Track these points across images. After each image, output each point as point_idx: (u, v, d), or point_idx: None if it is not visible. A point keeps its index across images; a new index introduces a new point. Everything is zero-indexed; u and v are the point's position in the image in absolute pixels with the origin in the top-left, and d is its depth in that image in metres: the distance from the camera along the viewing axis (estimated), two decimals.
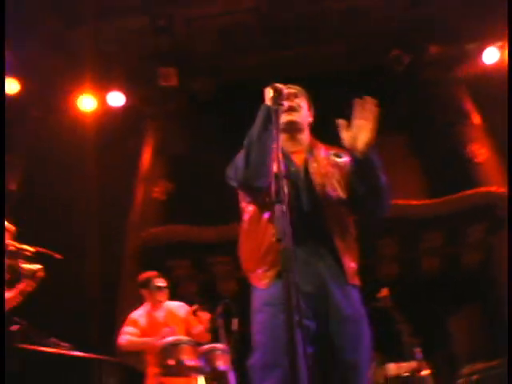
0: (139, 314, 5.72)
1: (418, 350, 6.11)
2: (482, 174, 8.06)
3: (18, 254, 4.74)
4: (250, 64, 9.36)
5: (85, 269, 8.02)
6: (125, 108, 9.12)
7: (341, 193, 2.76)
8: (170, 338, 5.01)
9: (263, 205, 2.55)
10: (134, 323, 5.61)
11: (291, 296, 1.97)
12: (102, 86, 8.99)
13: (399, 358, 6.21)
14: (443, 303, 8.18)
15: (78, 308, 7.76)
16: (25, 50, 8.60)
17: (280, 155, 2.27)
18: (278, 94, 2.48)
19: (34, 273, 4.78)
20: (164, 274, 6.19)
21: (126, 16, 9.10)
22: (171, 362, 4.82)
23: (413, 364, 6.04)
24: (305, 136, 2.95)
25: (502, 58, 8.66)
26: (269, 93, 2.51)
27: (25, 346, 5.37)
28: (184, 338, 5.13)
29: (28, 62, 8.80)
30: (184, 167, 8.40)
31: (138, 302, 6.01)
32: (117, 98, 9.00)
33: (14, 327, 5.11)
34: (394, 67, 8.80)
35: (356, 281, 2.66)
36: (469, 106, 8.84)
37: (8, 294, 4.90)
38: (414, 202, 7.73)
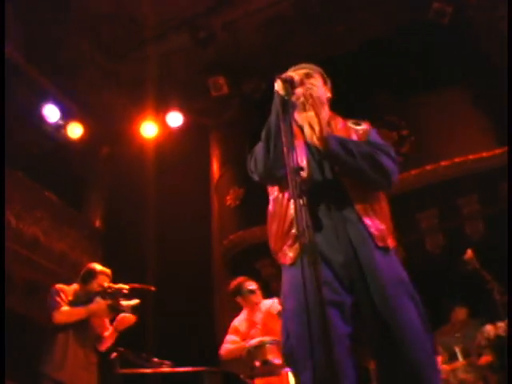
0: (240, 320, 5.81)
1: None
2: None
3: (117, 294, 5.07)
4: (294, 53, 9.30)
5: (176, 285, 8.30)
6: (185, 126, 9.32)
7: None
8: (254, 341, 5.10)
9: (285, 185, 2.49)
10: (236, 331, 5.72)
11: (318, 290, 1.97)
12: (160, 109, 9.23)
13: (496, 318, 6.02)
14: None
15: (175, 324, 8.06)
16: (80, 92, 9.03)
17: (293, 149, 2.25)
18: (289, 84, 2.48)
19: (133, 307, 5.11)
20: (254, 275, 6.27)
21: (167, 37, 9.35)
22: (257, 364, 4.92)
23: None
24: (324, 112, 2.89)
25: None
26: (279, 84, 2.47)
27: (127, 370, 5.69)
28: (267, 338, 5.20)
29: (86, 104, 9.22)
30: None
31: (234, 310, 6.14)
32: (176, 118, 9.22)
33: (113, 355, 5.42)
34: (439, 21, 8.50)
35: (388, 243, 2.61)
36: None
37: (106, 333, 5.26)
38: (486, 154, 7.43)
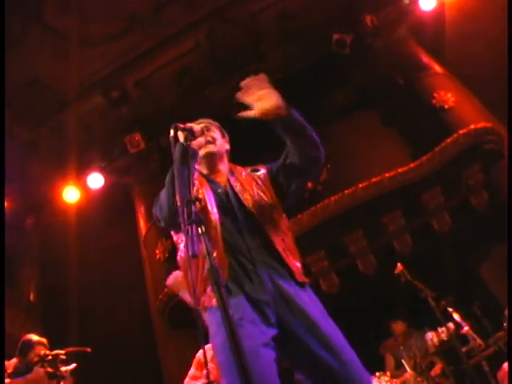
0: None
1: (451, 311, 5.99)
2: (457, 117, 7.89)
3: (56, 361, 4.99)
4: (208, 101, 9.45)
5: (119, 347, 8.14)
6: (108, 186, 9.29)
7: (268, 199, 2.88)
8: None
9: (191, 251, 2.47)
10: (198, 364, 5.58)
11: (227, 308, 2.11)
12: (80, 172, 9.18)
13: (436, 324, 6.07)
14: (466, 256, 7.97)
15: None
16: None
17: (192, 183, 2.44)
18: (188, 132, 2.60)
19: (71, 372, 5.05)
20: (193, 325, 6.18)
21: (82, 100, 9.37)
22: None
23: (450, 326, 5.89)
24: (224, 164, 3.09)
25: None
26: (178, 132, 2.60)
27: None
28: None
29: (7, 176, 9.09)
30: None
31: (180, 363, 6.01)
32: (97, 180, 9.17)
33: None
34: (341, 51, 8.78)
35: (304, 278, 2.76)
36: (424, 57, 8.75)
37: None
38: (401, 170, 7.60)
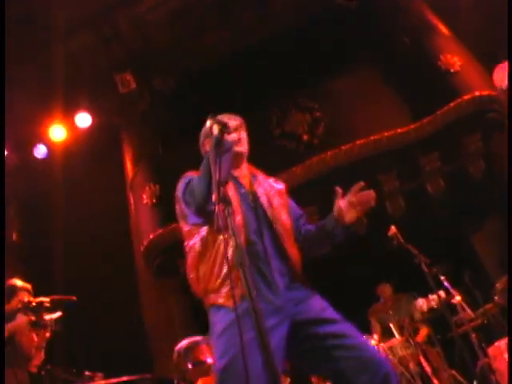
0: None
1: (443, 278, 5.92)
2: (462, 82, 7.69)
3: (39, 308, 4.82)
4: (204, 47, 9.17)
5: (101, 292, 8.01)
6: (95, 126, 9.00)
7: (285, 214, 2.96)
8: (184, 342, 4.91)
9: (218, 227, 2.48)
10: None
11: (251, 290, 2.11)
12: (68, 111, 8.86)
13: (427, 291, 6.01)
14: (460, 223, 7.91)
15: (104, 334, 7.77)
16: None
17: (224, 171, 2.43)
18: (223, 127, 2.60)
19: (56, 321, 4.86)
20: (175, 273, 6.09)
21: (72, 36, 8.99)
22: (190, 366, 4.70)
23: (441, 294, 5.84)
24: (245, 165, 3.11)
25: None
26: (213, 126, 2.62)
27: None
28: (199, 337, 5.01)
29: None
30: (164, 166, 8.25)
31: (160, 312, 5.90)
32: (85, 119, 8.86)
33: (41, 373, 5.15)
34: (348, 4, 8.53)
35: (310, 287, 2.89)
36: (432, 18, 8.51)
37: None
38: (401, 130, 7.45)
